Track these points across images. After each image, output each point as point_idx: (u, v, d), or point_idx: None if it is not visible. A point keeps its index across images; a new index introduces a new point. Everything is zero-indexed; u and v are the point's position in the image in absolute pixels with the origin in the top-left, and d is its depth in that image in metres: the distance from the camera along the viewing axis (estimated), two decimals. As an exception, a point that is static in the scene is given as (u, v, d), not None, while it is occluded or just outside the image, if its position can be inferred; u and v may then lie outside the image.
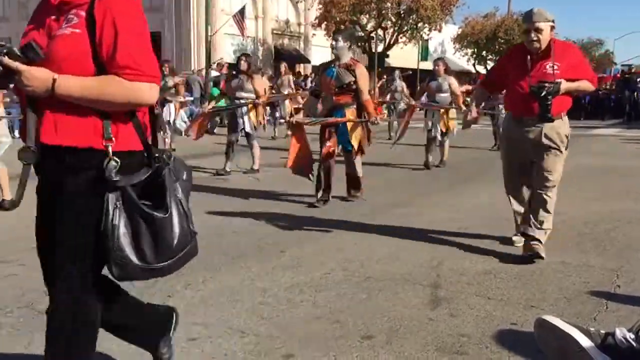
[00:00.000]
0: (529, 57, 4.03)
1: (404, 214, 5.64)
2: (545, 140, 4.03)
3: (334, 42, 6.10)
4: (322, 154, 5.99)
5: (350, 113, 6.00)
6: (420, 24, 26.44)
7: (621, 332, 1.80)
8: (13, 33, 22.06)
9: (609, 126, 18.67)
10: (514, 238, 4.46)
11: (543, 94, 3.87)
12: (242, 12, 21.75)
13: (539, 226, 4.09)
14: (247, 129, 8.15)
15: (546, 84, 3.88)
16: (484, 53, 33.54)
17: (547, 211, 4.11)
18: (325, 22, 25.87)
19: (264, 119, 8.94)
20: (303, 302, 3.32)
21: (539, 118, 3.98)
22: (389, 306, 3.26)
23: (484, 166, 9.08)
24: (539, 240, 4.07)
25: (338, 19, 25.08)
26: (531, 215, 4.13)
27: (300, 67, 28.12)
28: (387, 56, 27.79)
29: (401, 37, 27.19)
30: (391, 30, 27.13)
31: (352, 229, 5.00)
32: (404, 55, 29.02)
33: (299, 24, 29.43)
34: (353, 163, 6.14)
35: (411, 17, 26.05)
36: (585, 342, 1.77)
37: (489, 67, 32.16)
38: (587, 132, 17.05)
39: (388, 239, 4.67)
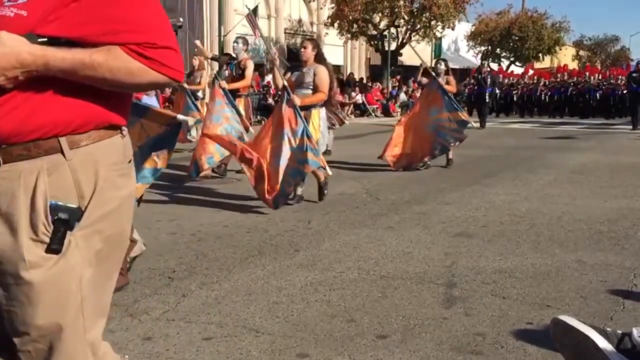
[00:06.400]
0: None
1: (418, 212, 5.63)
2: None
3: None
4: None
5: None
6: (433, 22, 26.32)
7: (638, 332, 1.78)
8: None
9: (628, 123, 18.42)
10: None
11: None
12: (254, 11, 21.82)
13: None
14: None
15: None
16: (497, 50, 33.31)
17: None
18: (338, 21, 25.86)
19: None
20: (317, 301, 3.32)
21: None
22: (404, 305, 3.26)
23: (500, 164, 9.03)
24: None
25: (351, 17, 25.05)
26: None
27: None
28: (400, 54, 27.72)
29: (414, 35, 27.10)
30: (404, 28, 27.05)
31: (367, 227, 5.00)
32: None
33: (312, 23, 29.44)
34: None
35: (424, 15, 25.94)
36: (602, 342, 1.76)
37: (502, 65, 31.97)
38: (603, 129, 16.90)
39: (403, 238, 4.66)
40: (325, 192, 6.03)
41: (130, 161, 1.52)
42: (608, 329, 1.84)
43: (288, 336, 2.85)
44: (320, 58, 5.97)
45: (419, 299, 3.34)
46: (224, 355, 2.66)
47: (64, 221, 1.33)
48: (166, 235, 4.73)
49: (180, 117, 3.17)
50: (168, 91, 15.52)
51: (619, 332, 1.82)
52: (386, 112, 22.32)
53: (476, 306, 3.23)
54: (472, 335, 2.86)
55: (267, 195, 5.34)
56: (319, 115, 5.90)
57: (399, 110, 22.56)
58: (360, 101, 22.10)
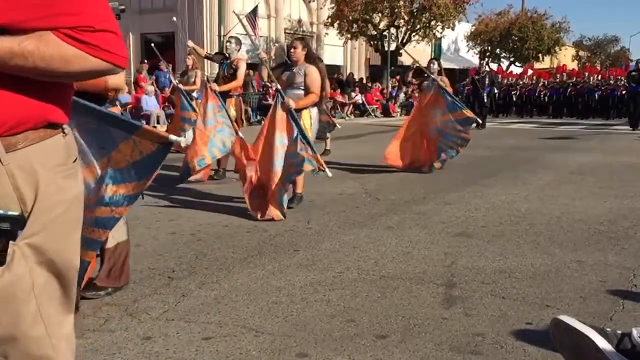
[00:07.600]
0: None
1: (418, 212, 5.63)
2: None
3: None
4: None
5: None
6: (433, 22, 26.32)
7: (638, 332, 1.78)
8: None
9: (627, 123, 18.43)
10: None
11: None
12: (254, 12, 21.83)
13: None
14: None
15: None
16: (497, 51, 33.32)
17: None
18: (337, 21, 25.86)
19: None
20: (317, 300, 3.32)
21: None
22: (404, 305, 3.26)
23: (500, 165, 9.03)
24: None
25: (350, 17, 25.05)
26: None
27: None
28: (400, 55, 27.73)
29: (414, 36, 27.11)
30: (404, 28, 27.05)
31: (366, 227, 5.00)
32: (416, 54, 28.82)
33: (312, 23, 29.44)
34: None
35: (424, 15, 25.94)
36: (601, 343, 1.76)
37: (502, 65, 31.99)
38: (603, 129, 16.91)
39: (402, 238, 4.66)
40: (296, 203, 5.79)
41: (75, 160, 1.40)
42: (608, 329, 1.84)
43: (288, 336, 2.85)
44: (310, 58, 5.92)
45: (419, 299, 3.34)
46: (224, 355, 2.66)
47: (5, 231, 1.24)
48: (166, 235, 4.73)
49: (172, 137, 3.14)
50: (168, 91, 15.51)
51: (619, 332, 1.82)
52: (386, 113, 22.33)
53: (476, 306, 3.23)
54: (471, 336, 2.86)
55: (272, 217, 5.30)
56: (310, 115, 5.82)
57: (399, 110, 22.57)
58: (360, 101, 22.12)
